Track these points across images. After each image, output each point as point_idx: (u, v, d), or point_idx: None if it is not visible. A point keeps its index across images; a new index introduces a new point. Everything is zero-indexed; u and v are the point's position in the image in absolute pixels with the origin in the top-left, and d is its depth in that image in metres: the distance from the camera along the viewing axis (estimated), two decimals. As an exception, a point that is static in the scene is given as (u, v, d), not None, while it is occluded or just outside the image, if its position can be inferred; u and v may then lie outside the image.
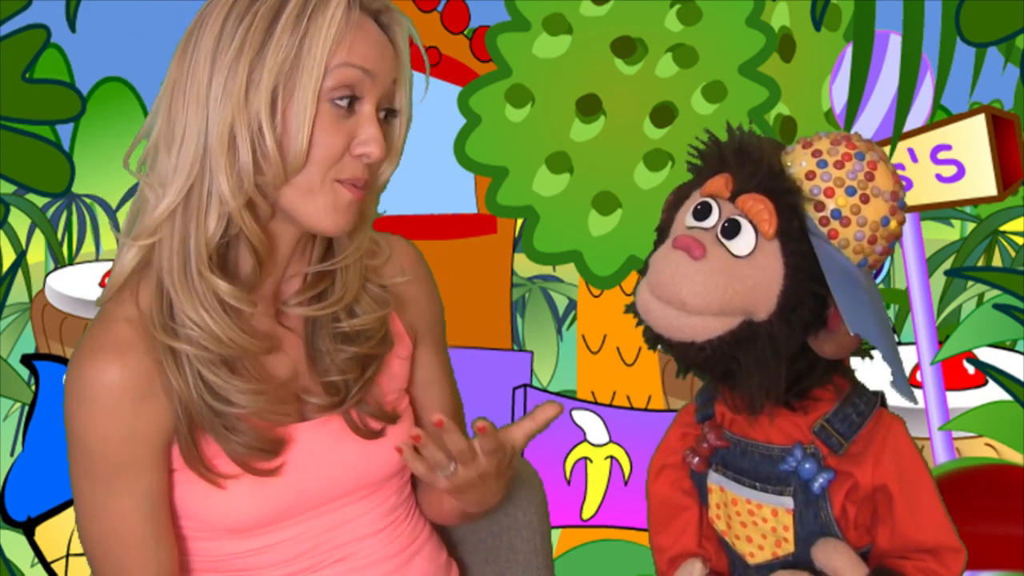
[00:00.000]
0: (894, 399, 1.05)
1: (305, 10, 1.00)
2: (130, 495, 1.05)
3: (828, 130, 1.01)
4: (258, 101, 1.00)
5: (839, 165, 0.95)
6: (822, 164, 0.96)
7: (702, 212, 0.97)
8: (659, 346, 1.00)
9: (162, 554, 1.08)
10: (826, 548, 1.00)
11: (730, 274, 0.93)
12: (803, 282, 0.94)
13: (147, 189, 1.05)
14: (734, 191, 0.96)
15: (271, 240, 1.08)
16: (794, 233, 0.94)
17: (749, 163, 0.97)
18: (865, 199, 0.95)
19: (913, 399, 0.94)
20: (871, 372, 1.05)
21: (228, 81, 1.00)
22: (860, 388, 1.03)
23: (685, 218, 0.98)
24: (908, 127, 2.03)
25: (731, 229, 0.94)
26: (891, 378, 0.93)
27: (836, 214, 0.95)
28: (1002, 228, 2.95)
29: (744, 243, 0.94)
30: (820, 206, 0.95)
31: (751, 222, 0.94)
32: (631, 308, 1.00)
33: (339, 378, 1.12)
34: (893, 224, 0.97)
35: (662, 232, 1.02)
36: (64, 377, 1.06)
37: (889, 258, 1.19)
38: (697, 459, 1.07)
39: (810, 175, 0.96)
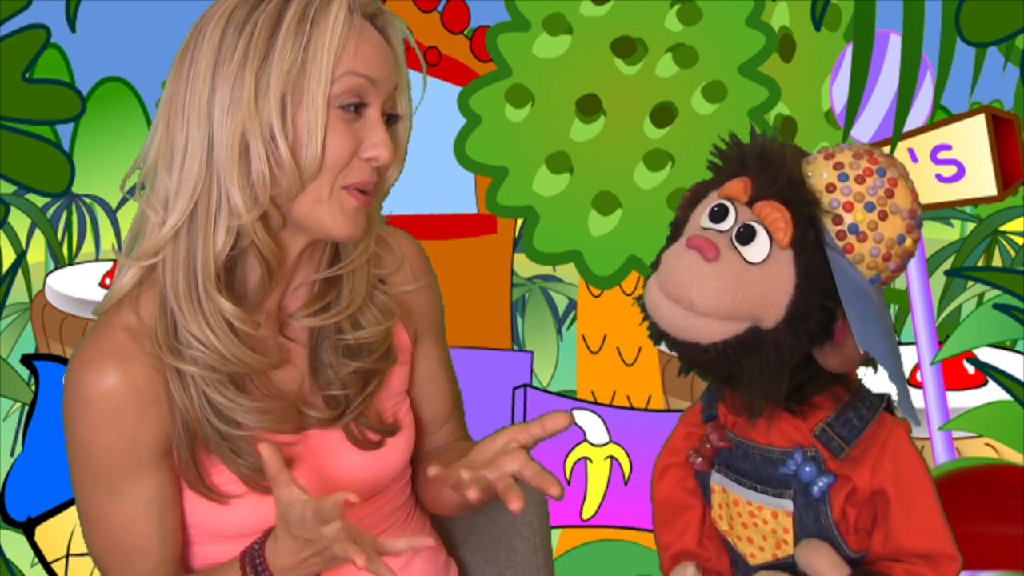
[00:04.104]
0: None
1: (307, 16, 1.00)
2: (135, 499, 1.05)
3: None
4: (268, 109, 0.99)
5: (860, 180, 0.95)
6: (843, 177, 0.95)
7: (718, 214, 0.96)
8: (663, 343, 1.00)
9: (167, 552, 1.08)
10: (808, 549, 1.00)
11: (741, 280, 0.93)
12: (813, 294, 0.94)
13: (147, 209, 1.04)
14: (752, 196, 0.95)
15: (280, 250, 1.07)
16: (809, 244, 0.94)
17: (769, 169, 0.96)
18: (883, 216, 0.95)
19: (917, 421, 0.95)
20: (877, 376, 1.05)
21: (235, 91, 0.99)
22: (864, 392, 1.03)
23: (701, 218, 0.98)
24: (908, 127, 2.03)
25: (746, 235, 0.94)
26: (896, 398, 0.93)
27: (853, 229, 0.94)
28: (1002, 228, 2.95)
29: (758, 250, 0.94)
30: (838, 219, 0.95)
31: (766, 229, 0.94)
32: (639, 302, 1.00)
33: (340, 392, 1.12)
34: (908, 242, 0.97)
35: (676, 228, 1.01)
36: (63, 383, 1.05)
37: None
38: (700, 459, 1.07)
39: (830, 187, 0.95)
